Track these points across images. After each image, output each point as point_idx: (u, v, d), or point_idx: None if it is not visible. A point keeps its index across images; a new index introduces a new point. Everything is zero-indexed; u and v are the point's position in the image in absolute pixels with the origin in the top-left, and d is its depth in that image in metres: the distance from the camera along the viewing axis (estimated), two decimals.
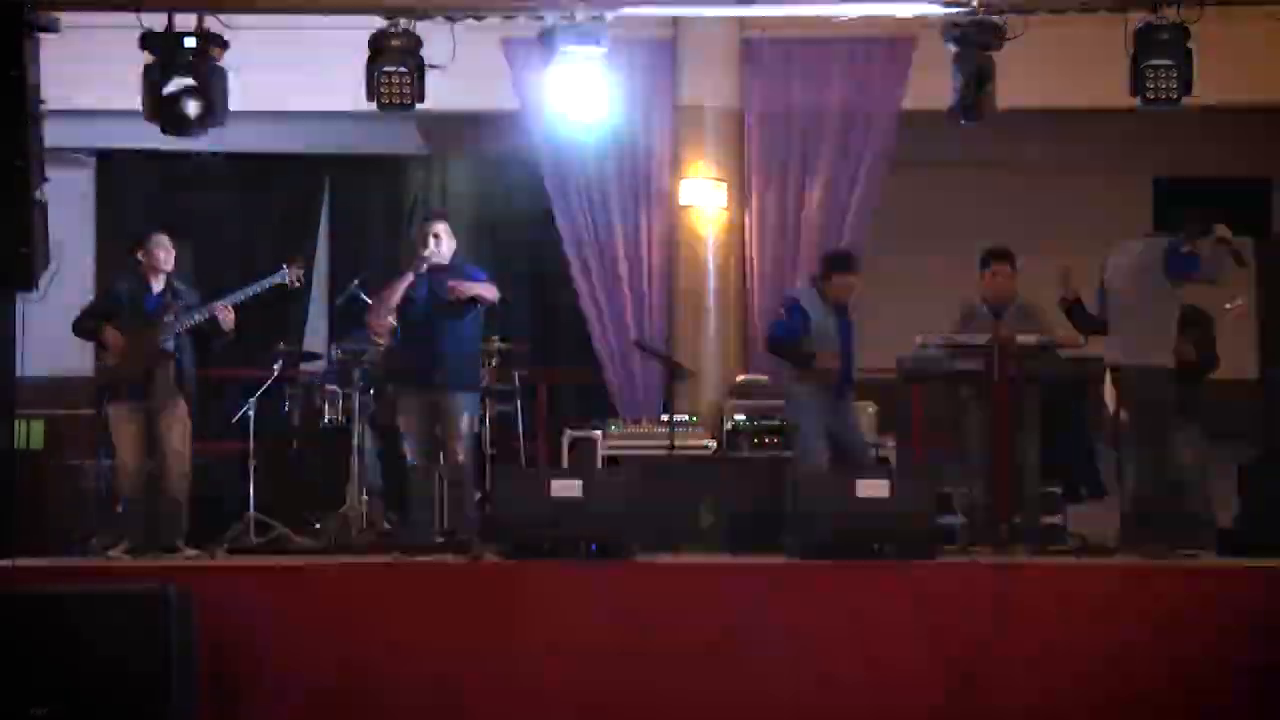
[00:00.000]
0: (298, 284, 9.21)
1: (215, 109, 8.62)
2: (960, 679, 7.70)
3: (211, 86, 8.56)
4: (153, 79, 8.51)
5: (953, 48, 8.54)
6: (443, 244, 8.83)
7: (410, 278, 8.75)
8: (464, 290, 8.71)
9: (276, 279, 9.06)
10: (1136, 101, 8.54)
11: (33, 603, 7.28)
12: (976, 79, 8.45)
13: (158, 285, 8.98)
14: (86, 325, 8.95)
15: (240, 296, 8.94)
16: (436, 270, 8.80)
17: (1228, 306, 9.01)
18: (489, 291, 8.85)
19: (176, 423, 8.86)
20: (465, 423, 8.69)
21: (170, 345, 8.83)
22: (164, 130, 8.60)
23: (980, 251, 9.67)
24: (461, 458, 8.68)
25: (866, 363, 9.42)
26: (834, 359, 9.09)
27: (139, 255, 9.00)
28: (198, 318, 8.85)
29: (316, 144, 12.23)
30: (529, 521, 8.11)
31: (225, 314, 8.84)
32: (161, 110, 8.57)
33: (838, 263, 9.38)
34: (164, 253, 8.99)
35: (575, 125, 9.60)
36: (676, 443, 9.38)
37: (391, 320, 8.91)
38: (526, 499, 8.19)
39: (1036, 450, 9.39)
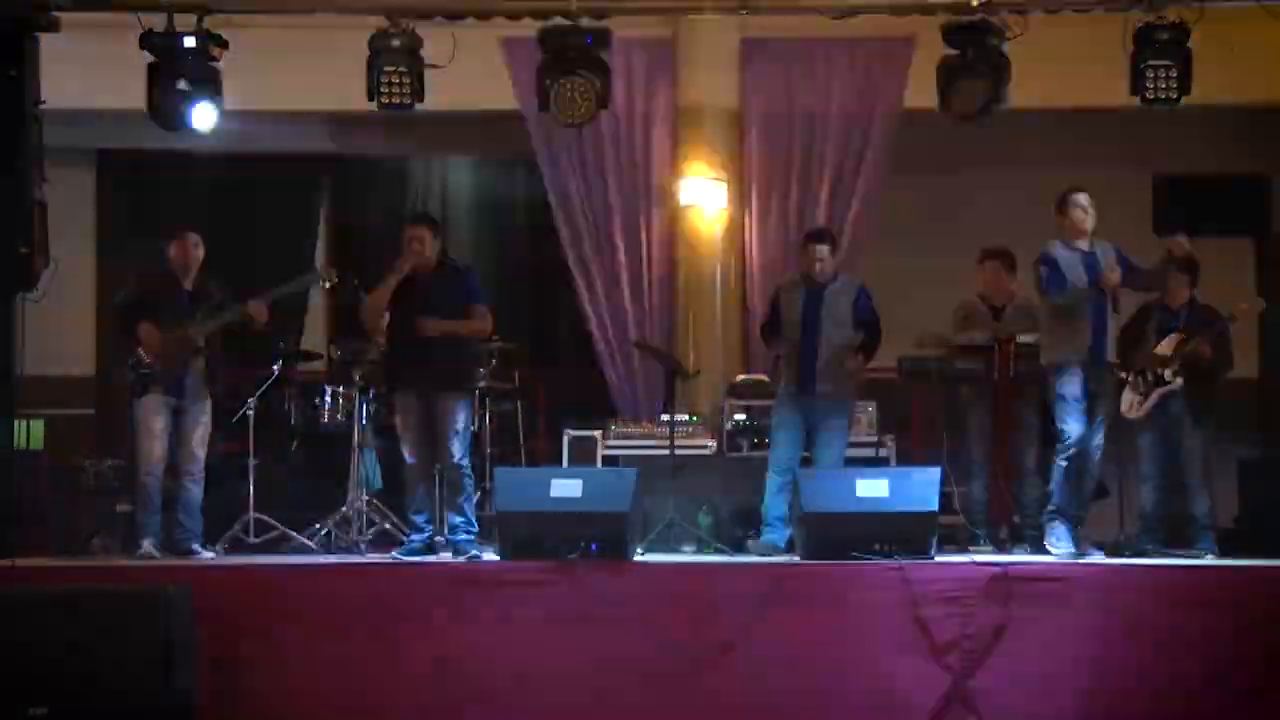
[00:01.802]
0: (331, 284, 9.15)
1: (214, 108, 8.64)
2: (960, 679, 7.70)
3: (210, 86, 8.58)
4: (153, 78, 8.52)
5: (954, 48, 8.56)
6: (426, 247, 8.78)
7: (393, 282, 8.70)
8: (435, 330, 8.61)
9: (309, 279, 9.04)
10: (1136, 101, 8.54)
11: (33, 603, 7.27)
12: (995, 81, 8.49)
13: (188, 283, 8.99)
14: (121, 321, 8.95)
15: (274, 295, 8.95)
16: (427, 272, 8.77)
17: (1244, 307, 9.01)
18: (469, 328, 8.76)
19: (200, 424, 8.91)
20: (460, 422, 8.68)
21: (201, 342, 8.84)
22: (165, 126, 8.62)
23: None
24: (459, 457, 8.67)
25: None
26: (787, 344, 9.12)
27: (170, 252, 9.00)
28: (229, 316, 8.85)
29: (316, 144, 12.23)
30: (529, 521, 8.11)
31: (259, 310, 8.85)
32: (161, 109, 8.59)
33: (810, 234, 9.45)
34: (194, 251, 8.99)
35: (574, 125, 9.60)
36: (676, 443, 9.37)
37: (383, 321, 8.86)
38: (526, 499, 8.18)
39: (1036, 450, 9.41)
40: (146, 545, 8.73)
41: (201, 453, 8.92)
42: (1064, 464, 8.52)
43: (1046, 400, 8.77)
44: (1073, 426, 8.47)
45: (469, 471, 8.78)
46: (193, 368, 8.88)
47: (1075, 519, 8.57)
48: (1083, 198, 8.65)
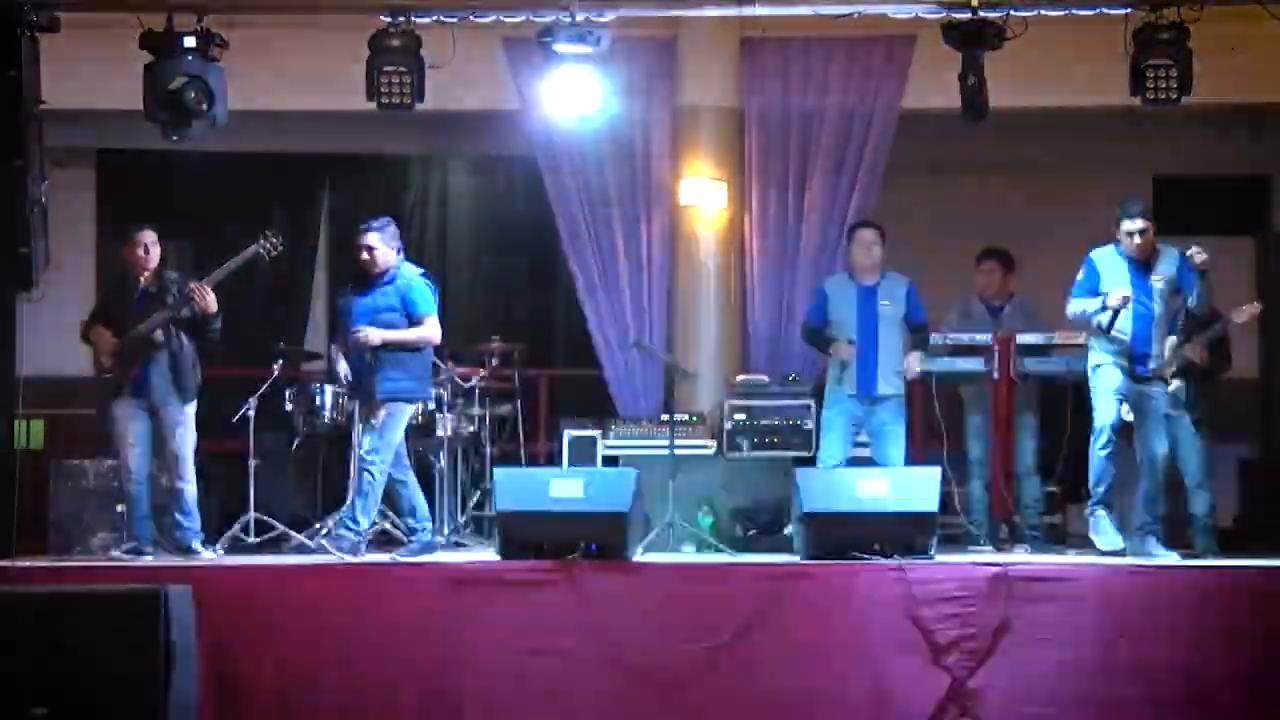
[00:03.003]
0: (274, 253, 9.02)
1: (215, 109, 8.62)
2: (960, 679, 7.70)
3: (210, 86, 8.56)
4: (153, 78, 8.50)
5: (953, 48, 8.53)
6: (376, 256, 8.73)
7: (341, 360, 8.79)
8: (369, 341, 8.60)
9: (250, 252, 8.95)
10: (1136, 101, 8.53)
11: (33, 603, 7.27)
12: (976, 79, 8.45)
13: (146, 281, 8.95)
14: (82, 330, 8.93)
15: (218, 275, 8.90)
16: (374, 280, 8.74)
17: (1243, 311, 9.00)
18: (411, 339, 8.69)
19: (178, 423, 8.83)
20: (381, 420, 8.58)
21: (157, 337, 8.80)
22: (164, 130, 8.60)
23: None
24: (364, 450, 8.58)
25: None
26: (846, 349, 9.12)
27: (124, 254, 8.98)
28: (176, 303, 8.76)
29: (316, 144, 12.23)
30: (529, 521, 8.11)
31: (201, 294, 8.74)
32: (161, 110, 8.57)
33: (860, 222, 9.57)
34: (147, 249, 8.91)
35: (575, 125, 9.60)
36: (676, 443, 9.37)
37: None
38: (526, 499, 8.18)
39: (1036, 450, 9.41)
40: (118, 551, 8.73)
41: (185, 450, 8.83)
42: None
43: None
44: None
45: (371, 470, 8.60)
46: (158, 366, 8.84)
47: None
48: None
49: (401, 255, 8.87)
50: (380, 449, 8.59)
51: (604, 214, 10.98)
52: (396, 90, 8.64)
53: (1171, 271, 8.55)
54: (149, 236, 8.94)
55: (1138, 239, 8.48)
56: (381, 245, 8.74)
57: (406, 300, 8.72)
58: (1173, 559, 8.31)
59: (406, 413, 8.79)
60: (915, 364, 9.17)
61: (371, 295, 8.74)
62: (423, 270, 8.96)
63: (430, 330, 8.76)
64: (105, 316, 8.91)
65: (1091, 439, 8.57)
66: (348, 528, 8.58)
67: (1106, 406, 8.54)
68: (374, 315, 8.66)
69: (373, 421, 8.62)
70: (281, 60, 10.65)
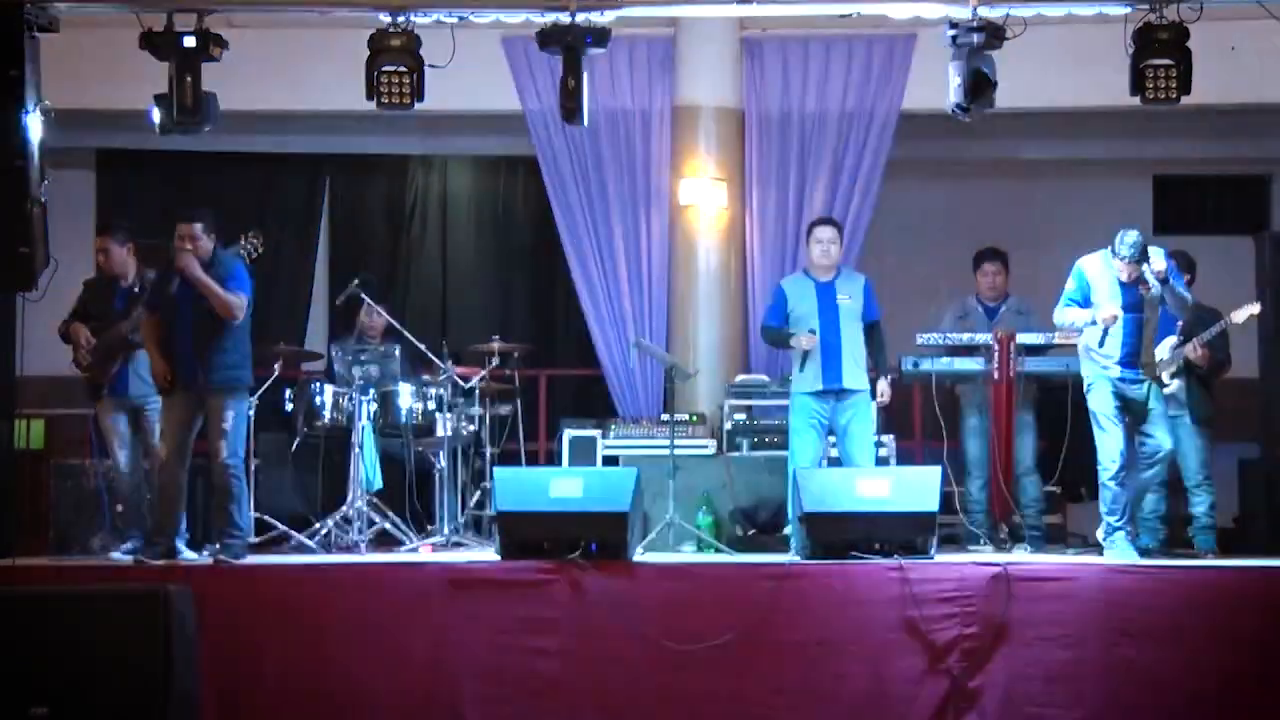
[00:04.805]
0: (255, 254, 8.94)
1: (213, 108, 8.63)
2: (960, 679, 7.70)
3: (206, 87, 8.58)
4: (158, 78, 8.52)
5: (952, 47, 8.52)
6: (199, 245, 8.62)
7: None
8: (189, 267, 8.50)
9: (231, 254, 8.94)
10: (1136, 101, 8.53)
11: (33, 603, 7.27)
12: (975, 78, 8.41)
13: (125, 281, 8.94)
14: (62, 326, 8.92)
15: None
16: (194, 270, 8.64)
17: (1242, 310, 8.99)
18: (222, 296, 8.51)
19: (156, 424, 8.82)
20: (229, 421, 8.49)
21: (134, 337, 8.78)
22: (165, 128, 8.60)
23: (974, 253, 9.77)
24: (225, 457, 8.48)
25: None
26: (808, 337, 8.94)
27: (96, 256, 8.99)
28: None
29: (316, 144, 12.23)
30: (529, 521, 8.11)
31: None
32: (163, 109, 8.57)
33: (815, 220, 9.46)
34: (108, 254, 8.91)
35: (574, 125, 9.59)
36: (676, 443, 9.37)
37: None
38: (526, 499, 8.18)
39: (1035, 449, 9.41)
40: (118, 553, 8.73)
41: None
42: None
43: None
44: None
45: (238, 473, 8.55)
46: (137, 366, 8.81)
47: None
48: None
49: (217, 242, 8.77)
50: (239, 449, 8.57)
51: (604, 214, 10.99)
52: (396, 90, 8.63)
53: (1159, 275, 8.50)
54: (105, 243, 8.93)
55: (1126, 274, 8.50)
56: (203, 235, 8.69)
57: (227, 281, 8.60)
58: (1132, 556, 8.29)
59: (245, 405, 8.73)
60: (886, 393, 9.08)
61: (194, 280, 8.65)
62: (240, 258, 8.93)
63: (239, 301, 8.61)
64: (85, 315, 8.90)
65: (1099, 468, 8.51)
66: (234, 537, 8.49)
67: (1111, 438, 8.47)
68: (195, 300, 8.53)
69: (223, 426, 8.48)
70: (281, 60, 10.66)
